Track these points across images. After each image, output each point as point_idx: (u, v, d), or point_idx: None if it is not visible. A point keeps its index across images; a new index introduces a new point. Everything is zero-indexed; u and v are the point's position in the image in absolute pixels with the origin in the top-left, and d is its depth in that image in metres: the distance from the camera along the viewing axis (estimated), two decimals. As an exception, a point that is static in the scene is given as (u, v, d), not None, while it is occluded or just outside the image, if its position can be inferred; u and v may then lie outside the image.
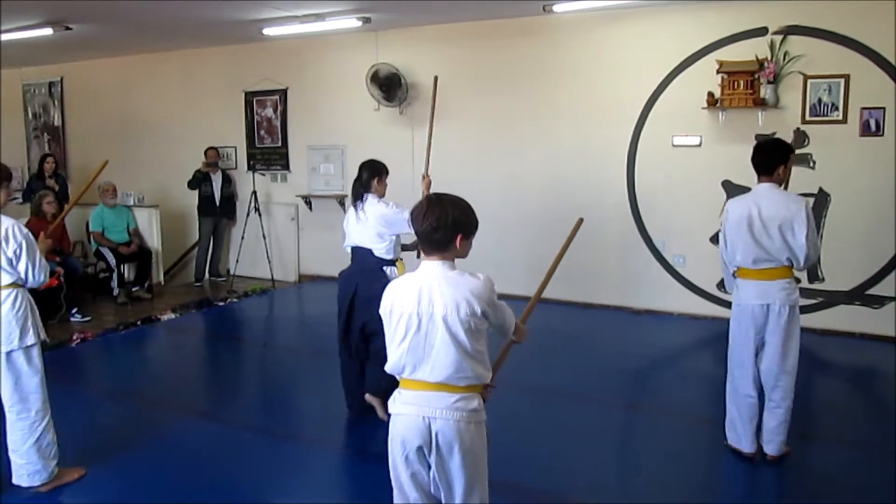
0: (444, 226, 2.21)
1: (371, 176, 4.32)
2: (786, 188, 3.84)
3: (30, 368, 3.46)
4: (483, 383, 2.29)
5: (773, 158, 3.66)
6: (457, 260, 2.31)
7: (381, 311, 2.32)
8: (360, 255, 4.36)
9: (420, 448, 2.26)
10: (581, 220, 3.06)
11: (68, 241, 7.50)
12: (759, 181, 3.70)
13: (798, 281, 6.04)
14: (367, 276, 4.24)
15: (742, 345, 3.79)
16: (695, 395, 4.95)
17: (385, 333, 2.33)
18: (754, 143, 6.05)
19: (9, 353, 3.41)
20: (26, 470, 3.52)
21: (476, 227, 2.32)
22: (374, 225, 4.26)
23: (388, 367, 2.32)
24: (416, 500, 2.32)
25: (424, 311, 2.22)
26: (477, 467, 2.29)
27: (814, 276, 6.15)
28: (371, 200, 4.30)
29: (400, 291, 2.28)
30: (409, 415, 2.26)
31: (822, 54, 5.87)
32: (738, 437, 3.84)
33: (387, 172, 4.38)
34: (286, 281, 8.67)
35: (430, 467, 2.28)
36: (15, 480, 3.54)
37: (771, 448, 3.77)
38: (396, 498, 2.36)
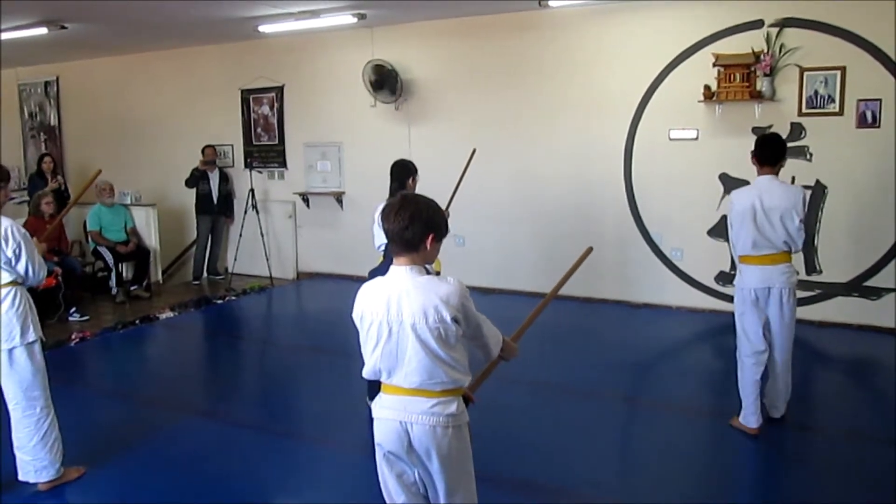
0: (417, 223, 2.14)
1: (406, 175, 4.49)
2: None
3: (32, 365, 3.48)
4: (462, 387, 2.25)
5: (780, 152, 3.96)
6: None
7: (353, 315, 2.27)
8: None
9: (400, 451, 2.24)
10: (590, 249, 3.12)
11: (66, 240, 7.50)
12: (762, 173, 3.96)
13: (797, 273, 6.09)
14: None
15: (750, 324, 4.02)
16: (694, 388, 4.97)
17: (359, 338, 2.29)
18: (751, 136, 6.10)
19: (10, 351, 3.43)
20: (33, 466, 3.54)
21: (446, 231, 2.29)
22: None
23: (365, 373, 2.29)
24: (403, 502, 2.30)
25: (394, 320, 2.17)
26: (458, 471, 2.26)
27: (811, 268, 6.16)
28: None
29: (370, 298, 2.23)
30: (387, 419, 2.25)
31: (819, 46, 5.87)
32: (748, 415, 4.03)
33: (416, 170, 4.58)
34: (284, 278, 8.67)
35: (415, 467, 2.28)
36: (22, 477, 3.56)
37: (775, 412, 4.16)
38: (386, 499, 2.36)
